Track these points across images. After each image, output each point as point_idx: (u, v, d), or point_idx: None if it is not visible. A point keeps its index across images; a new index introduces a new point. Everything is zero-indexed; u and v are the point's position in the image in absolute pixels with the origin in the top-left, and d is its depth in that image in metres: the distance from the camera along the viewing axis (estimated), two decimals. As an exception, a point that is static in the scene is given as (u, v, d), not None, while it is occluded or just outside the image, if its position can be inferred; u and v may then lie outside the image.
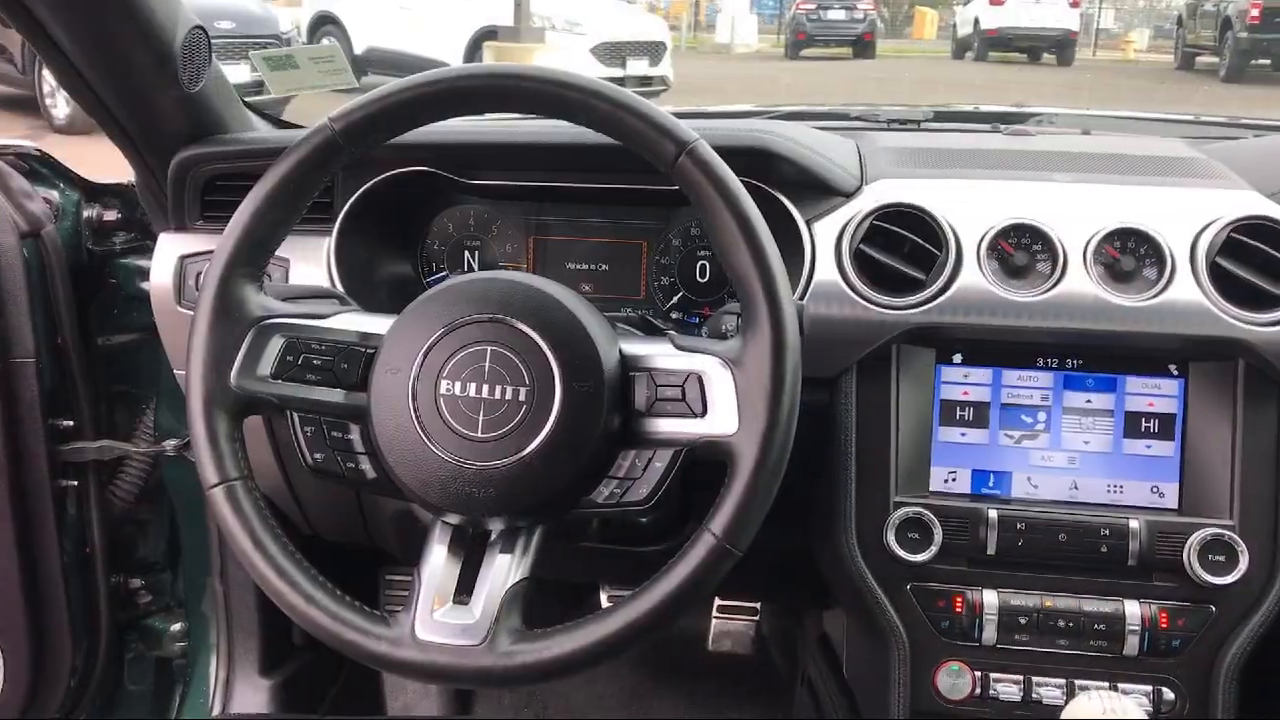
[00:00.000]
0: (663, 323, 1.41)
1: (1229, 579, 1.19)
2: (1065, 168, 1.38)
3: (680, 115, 1.02)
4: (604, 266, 1.44)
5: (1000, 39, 19.80)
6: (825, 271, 1.27)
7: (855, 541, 1.26)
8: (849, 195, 1.32)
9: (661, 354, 1.02)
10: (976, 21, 20.43)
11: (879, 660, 1.27)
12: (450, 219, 1.48)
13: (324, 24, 12.83)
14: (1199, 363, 1.24)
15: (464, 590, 1.00)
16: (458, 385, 0.98)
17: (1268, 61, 17.03)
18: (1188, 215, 1.26)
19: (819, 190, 1.32)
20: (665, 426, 1.00)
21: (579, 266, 1.45)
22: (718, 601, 1.86)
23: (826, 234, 1.29)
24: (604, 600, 1.75)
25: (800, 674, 1.75)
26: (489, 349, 0.99)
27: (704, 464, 0.98)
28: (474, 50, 11.34)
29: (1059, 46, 19.89)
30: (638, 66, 11.51)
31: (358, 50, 12.47)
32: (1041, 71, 19.14)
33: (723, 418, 0.97)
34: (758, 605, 1.86)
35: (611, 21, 11.67)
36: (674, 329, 1.41)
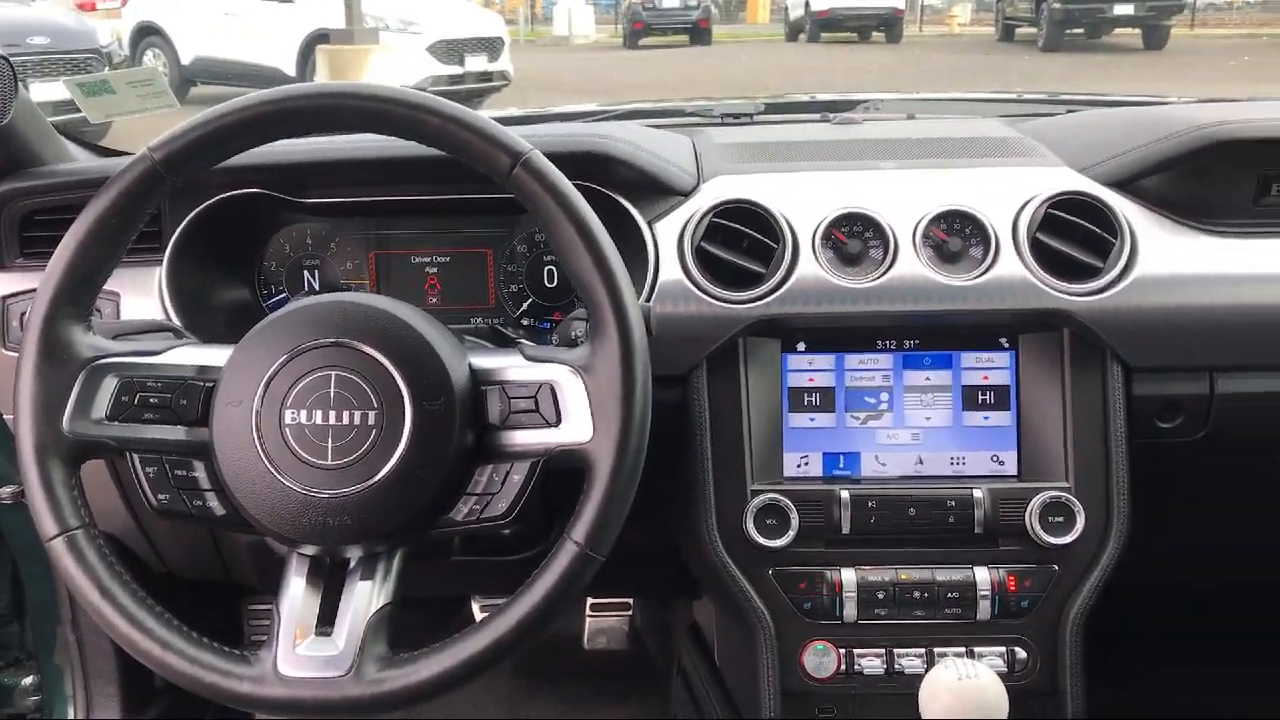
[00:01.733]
0: (514, 331, 1.41)
1: (1068, 539, 1.26)
2: (891, 154, 1.43)
3: (518, 119, 1.03)
4: (450, 278, 1.43)
5: (831, 20, 20.38)
6: (669, 271, 1.29)
7: (716, 532, 1.28)
8: (687, 194, 1.34)
9: (512, 366, 1.02)
10: (807, 4, 20.94)
11: (747, 645, 1.30)
12: (286, 239, 1.45)
13: (146, 35, 12.37)
14: (1027, 335, 1.30)
15: (326, 621, 0.98)
16: (303, 414, 0.97)
17: (1081, 30, 17.90)
18: (1008, 194, 1.32)
19: (657, 191, 1.33)
20: (520, 439, 1.00)
21: (424, 279, 1.43)
22: (590, 600, 1.87)
23: (668, 233, 1.31)
24: (476, 611, 1.74)
25: (675, 664, 1.77)
26: (333, 374, 0.98)
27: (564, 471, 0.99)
28: (307, 54, 11.08)
29: (887, 25, 20.58)
30: (476, 63, 11.42)
31: (185, 60, 12.05)
32: (872, 50, 19.71)
33: (577, 426, 0.98)
34: (630, 600, 1.88)
35: (447, 19, 11.54)
36: (526, 336, 1.41)
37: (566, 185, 0.99)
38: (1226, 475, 1.43)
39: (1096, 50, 17.47)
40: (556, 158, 1.01)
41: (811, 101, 1.94)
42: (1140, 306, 1.27)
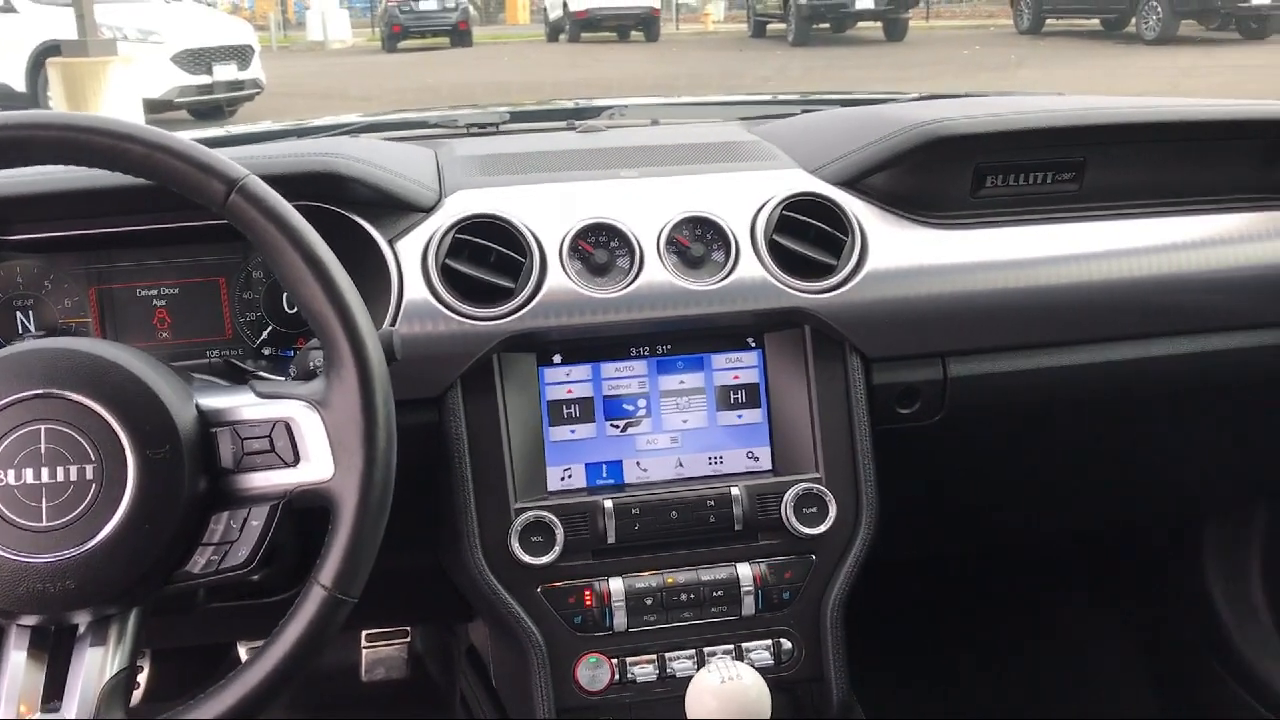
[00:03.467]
0: (254, 363, 1.35)
1: (822, 528, 1.30)
2: (634, 162, 1.44)
3: (248, 137, 0.97)
4: (181, 310, 1.35)
5: (590, 20, 20.59)
6: (415, 290, 1.25)
7: (481, 554, 1.26)
8: (429, 210, 1.31)
9: (244, 404, 0.97)
10: (565, 4, 21.07)
11: (521, 665, 1.28)
12: None
13: None
14: (772, 333, 1.34)
15: (54, 694, 0.91)
16: (11, 474, 0.89)
17: (827, 25, 18.76)
18: (745, 198, 1.35)
19: (396, 208, 1.30)
20: (257, 481, 0.95)
21: (152, 314, 1.35)
22: (365, 632, 1.81)
23: (411, 252, 1.27)
24: (242, 654, 1.66)
25: (456, 690, 1.74)
26: (43, 428, 0.90)
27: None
28: (36, 68, 10.36)
29: (644, 24, 20.98)
30: (226, 71, 10.98)
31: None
32: (632, 49, 20.06)
33: (317, 464, 0.94)
34: (408, 628, 1.83)
35: (191, 27, 11.04)
36: (268, 368, 1.35)
37: (288, 210, 0.94)
38: (965, 453, 1.51)
39: (843, 43, 18.36)
40: (280, 180, 0.96)
41: (557, 109, 1.94)
42: (873, 300, 1.32)
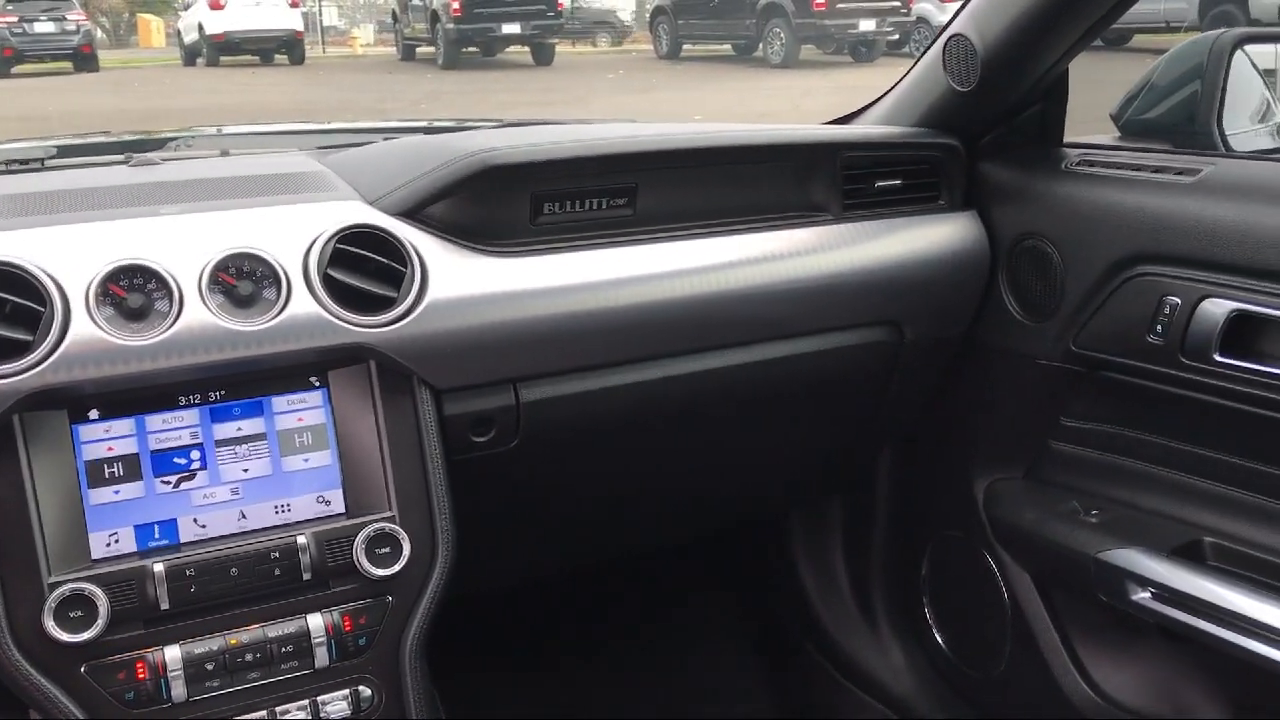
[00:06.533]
0: None
1: (396, 568, 1.26)
2: (185, 197, 1.35)
3: None
4: None
5: (228, 44, 19.67)
6: None
7: (9, 639, 1.14)
8: None
9: None
10: (201, 27, 20.03)
11: None
12: None
13: None
14: (336, 371, 1.29)
15: None
16: None
17: (476, 49, 18.89)
18: (298, 232, 1.29)
19: None
20: None
21: None
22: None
23: None
24: None
25: None
26: None
27: None
28: None
29: (288, 46, 20.29)
30: None
31: None
32: (277, 72, 19.35)
33: None
34: None
35: None
36: None
37: None
38: (551, 476, 1.53)
39: (493, 67, 18.52)
40: None
41: (114, 142, 1.81)
42: (437, 331, 1.30)
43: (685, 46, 19.42)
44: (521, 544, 1.65)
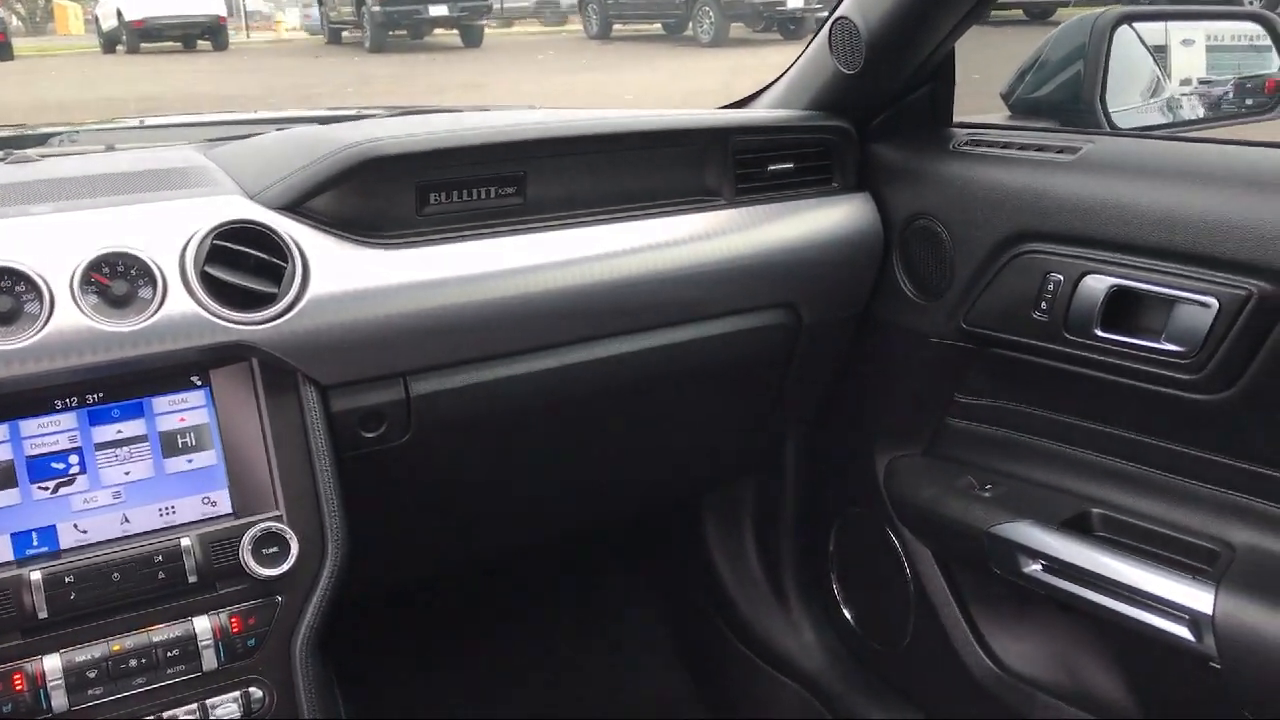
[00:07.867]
0: None
1: (284, 567, 1.25)
2: (54, 196, 1.32)
3: None
4: None
5: (149, 30, 19.25)
6: None
7: None
8: None
9: None
10: (120, 14, 19.57)
11: None
12: None
13: None
14: (218, 369, 1.27)
15: None
16: None
17: (404, 32, 18.68)
18: (173, 229, 1.27)
19: None
20: None
21: None
22: None
23: None
24: None
25: None
26: None
27: None
28: None
29: (211, 32, 19.89)
30: None
31: None
32: (200, 58, 18.98)
33: None
34: None
35: None
36: None
37: None
38: (445, 471, 1.52)
39: (421, 50, 18.32)
40: None
41: (-3, 138, 1.76)
42: (321, 326, 1.29)
43: (615, 26, 19.33)
44: (427, 538, 1.64)
